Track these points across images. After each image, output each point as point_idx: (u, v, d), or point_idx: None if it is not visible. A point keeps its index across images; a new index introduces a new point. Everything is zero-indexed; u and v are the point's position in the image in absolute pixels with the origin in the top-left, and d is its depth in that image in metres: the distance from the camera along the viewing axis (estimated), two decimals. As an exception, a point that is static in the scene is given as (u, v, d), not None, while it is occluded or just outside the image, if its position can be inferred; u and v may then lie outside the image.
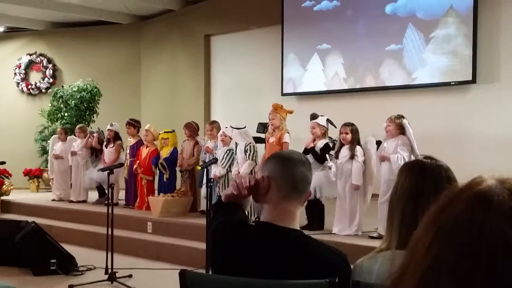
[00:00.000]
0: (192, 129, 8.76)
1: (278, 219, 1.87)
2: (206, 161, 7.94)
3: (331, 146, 6.83)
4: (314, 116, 6.95)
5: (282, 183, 1.90)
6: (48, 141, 11.67)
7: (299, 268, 1.79)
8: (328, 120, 6.96)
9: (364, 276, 1.75)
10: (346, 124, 6.60)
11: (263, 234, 1.88)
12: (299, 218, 1.95)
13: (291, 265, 1.80)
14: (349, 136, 6.52)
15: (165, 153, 8.80)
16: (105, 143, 9.83)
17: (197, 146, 8.64)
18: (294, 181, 1.89)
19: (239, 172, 7.17)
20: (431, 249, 0.71)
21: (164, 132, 8.92)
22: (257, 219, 2.02)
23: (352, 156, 6.47)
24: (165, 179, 8.72)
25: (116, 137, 9.74)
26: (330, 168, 6.55)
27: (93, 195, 10.13)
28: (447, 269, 0.69)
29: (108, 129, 9.72)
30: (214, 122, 8.61)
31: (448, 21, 8.75)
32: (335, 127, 6.99)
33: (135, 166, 9.06)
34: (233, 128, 7.64)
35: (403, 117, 6.44)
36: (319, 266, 1.79)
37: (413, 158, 6.46)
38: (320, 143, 6.80)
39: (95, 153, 10.03)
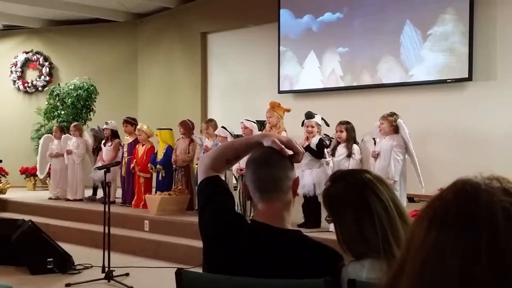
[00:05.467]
0: (187, 127, 8.76)
1: (266, 219, 1.87)
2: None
3: (327, 143, 6.84)
4: (310, 115, 6.94)
5: (252, 187, 1.91)
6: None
7: (294, 267, 1.78)
8: (322, 118, 6.99)
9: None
10: (341, 123, 6.61)
11: (257, 233, 1.88)
12: (289, 216, 1.92)
13: (286, 264, 1.79)
14: (344, 134, 6.53)
15: (160, 151, 8.81)
16: (103, 141, 9.82)
17: (192, 144, 8.65)
18: (259, 184, 1.88)
19: (241, 170, 7.16)
20: (428, 236, 0.74)
21: (157, 129, 8.97)
22: (253, 217, 2.01)
23: (349, 155, 6.48)
24: (160, 177, 8.73)
25: (114, 135, 9.72)
26: (327, 164, 6.54)
27: (90, 193, 10.16)
28: (450, 248, 0.71)
29: (104, 128, 9.71)
30: (211, 120, 8.60)
31: (445, 19, 8.76)
32: (328, 126, 7.01)
33: (132, 165, 9.05)
34: (251, 121, 7.62)
35: (396, 114, 6.44)
36: (314, 265, 1.78)
37: (407, 158, 6.48)
38: (314, 140, 6.81)
39: (97, 152, 10.04)
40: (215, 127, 8.24)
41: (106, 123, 9.70)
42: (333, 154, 6.62)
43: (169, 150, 8.77)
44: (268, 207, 1.89)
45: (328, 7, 10.26)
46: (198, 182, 2.08)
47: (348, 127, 6.56)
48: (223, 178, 2.11)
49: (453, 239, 0.71)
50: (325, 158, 6.68)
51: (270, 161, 1.89)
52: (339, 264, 1.77)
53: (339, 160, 6.54)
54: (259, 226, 1.88)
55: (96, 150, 10.06)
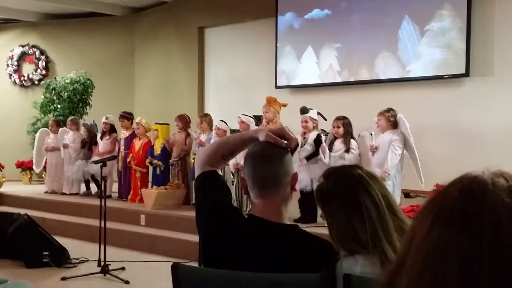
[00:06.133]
0: (184, 121, 8.77)
1: (264, 215, 1.87)
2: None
3: (323, 138, 6.84)
4: (304, 110, 6.94)
5: (251, 183, 1.90)
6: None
7: (290, 261, 1.78)
8: (318, 113, 6.98)
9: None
10: (338, 118, 6.61)
11: (254, 228, 1.88)
12: (286, 212, 1.92)
13: (283, 259, 1.79)
14: (341, 130, 6.54)
15: (157, 146, 8.80)
16: (99, 135, 9.81)
17: (188, 138, 8.66)
18: (258, 180, 1.88)
19: (237, 164, 7.16)
20: (431, 233, 0.73)
21: (155, 123, 8.96)
22: (249, 212, 2.01)
23: (347, 150, 6.49)
24: (158, 172, 8.72)
25: (111, 129, 9.74)
26: (324, 151, 6.52)
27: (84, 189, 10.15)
28: (452, 246, 0.71)
29: (103, 122, 9.70)
30: (206, 115, 8.61)
31: (443, 14, 8.76)
32: (326, 120, 7.00)
33: (128, 159, 9.04)
34: (248, 116, 7.59)
35: (393, 110, 6.45)
36: (311, 259, 1.78)
37: (406, 154, 6.49)
38: (312, 135, 6.81)
39: (88, 146, 9.99)
40: (210, 122, 8.24)
41: (107, 118, 9.70)
42: (330, 149, 6.63)
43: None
44: (266, 202, 1.88)
45: (325, 3, 10.25)
46: (195, 177, 2.08)
47: (345, 123, 6.57)
48: (220, 173, 2.10)
49: (456, 237, 0.71)
50: (322, 145, 6.63)
51: (269, 157, 1.89)
52: (334, 258, 1.77)
53: (336, 155, 6.54)
54: (256, 221, 1.88)
55: (89, 144, 10.00)
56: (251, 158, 1.92)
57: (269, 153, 1.89)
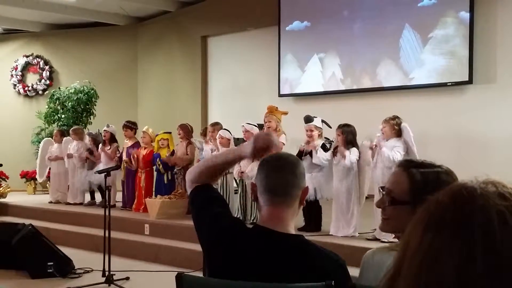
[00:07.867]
0: (185, 130, 8.75)
1: (271, 224, 1.87)
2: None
3: (328, 146, 6.82)
4: (308, 119, 6.90)
5: (262, 189, 1.91)
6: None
7: (295, 272, 1.78)
8: (322, 121, 6.96)
9: (374, 269, 1.72)
10: (338, 126, 6.58)
11: (258, 238, 1.88)
12: (293, 222, 1.93)
13: (287, 269, 1.79)
14: (340, 138, 6.52)
15: (163, 154, 8.80)
16: (100, 145, 9.82)
17: (190, 146, 8.64)
18: (270, 186, 1.89)
19: (242, 173, 7.14)
20: (424, 239, 0.74)
21: (164, 133, 8.93)
22: (254, 221, 2.02)
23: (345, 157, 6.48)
24: (166, 181, 8.69)
25: (112, 139, 9.73)
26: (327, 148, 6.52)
27: (89, 197, 10.14)
28: (446, 250, 0.72)
29: (104, 130, 9.71)
30: (216, 124, 8.53)
31: (447, 22, 8.77)
32: (330, 127, 6.99)
33: (134, 153, 9.02)
34: (251, 124, 7.58)
35: (398, 118, 6.42)
36: (316, 271, 1.78)
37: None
38: (317, 144, 6.79)
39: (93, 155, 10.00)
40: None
41: (108, 126, 9.70)
42: (334, 155, 6.60)
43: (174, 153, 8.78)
44: (275, 211, 1.89)
45: (326, 12, 10.28)
46: (188, 193, 2.10)
47: (344, 130, 6.52)
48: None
49: (449, 241, 0.72)
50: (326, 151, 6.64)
51: (284, 167, 1.92)
52: (342, 267, 1.78)
53: (338, 162, 6.52)
54: (262, 230, 1.88)
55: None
56: (266, 165, 1.94)
57: (284, 163, 1.93)
